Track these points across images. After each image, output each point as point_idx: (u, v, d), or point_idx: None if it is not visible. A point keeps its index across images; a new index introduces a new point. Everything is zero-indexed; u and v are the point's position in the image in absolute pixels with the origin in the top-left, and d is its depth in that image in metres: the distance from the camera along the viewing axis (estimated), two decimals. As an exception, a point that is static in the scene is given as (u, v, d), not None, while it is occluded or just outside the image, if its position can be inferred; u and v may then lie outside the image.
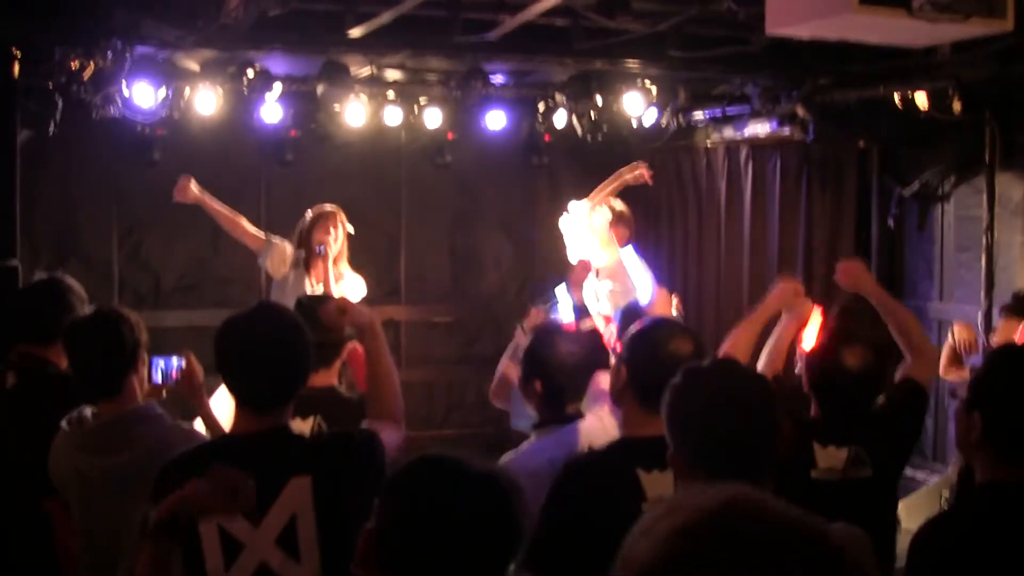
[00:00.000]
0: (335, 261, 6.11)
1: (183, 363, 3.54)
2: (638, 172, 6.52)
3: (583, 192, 8.93)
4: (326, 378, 3.70)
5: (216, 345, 2.68)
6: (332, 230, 6.07)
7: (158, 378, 3.51)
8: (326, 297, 4.69)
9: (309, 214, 6.21)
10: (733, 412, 2.19)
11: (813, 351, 3.43)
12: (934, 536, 2.39)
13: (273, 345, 2.65)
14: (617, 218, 6.57)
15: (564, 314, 4.95)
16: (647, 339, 2.88)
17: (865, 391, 3.31)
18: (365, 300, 8.03)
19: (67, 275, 4.05)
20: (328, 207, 6.21)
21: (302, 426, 3.47)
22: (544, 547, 2.72)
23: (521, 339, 4.18)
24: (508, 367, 4.18)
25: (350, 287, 6.16)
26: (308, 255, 6.11)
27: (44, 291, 3.87)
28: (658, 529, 1.08)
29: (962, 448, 2.51)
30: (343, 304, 3.10)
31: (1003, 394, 2.37)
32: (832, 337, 3.40)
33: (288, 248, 6.22)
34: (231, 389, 2.71)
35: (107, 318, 3.23)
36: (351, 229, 6.23)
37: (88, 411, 3.19)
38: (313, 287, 6.05)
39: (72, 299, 3.81)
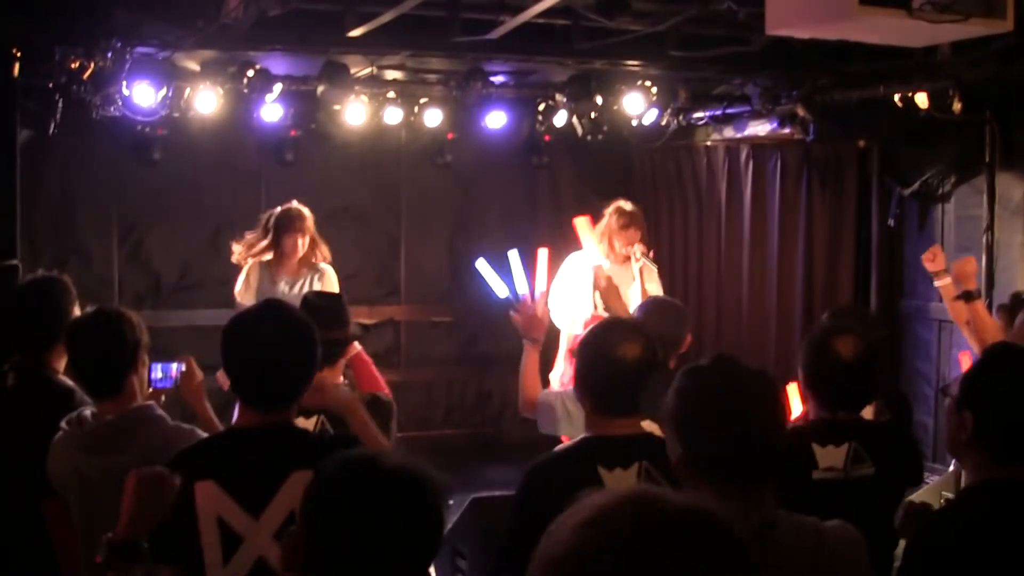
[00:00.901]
0: (303, 260, 6.26)
1: (183, 367, 3.54)
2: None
3: (583, 192, 8.96)
4: (330, 377, 3.70)
5: (222, 343, 2.68)
6: (300, 239, 6.18)
7: (158, 380, 3.51)
8: (335, 295, 4.64)
9: (277, 211, 6.28)
10: (739, 411, 2.17)
11: (806, 346, 3.41)
12: (931, 536, 2.39)
13: (280, 344, 2.65)
14: (628, 220, 6.48)
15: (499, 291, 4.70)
16: (595, 346, 2.91)
17: (857, 379, 3.28)
18: (365, 300, 8.05)
19: (63, 274, 4.01)
20: (294, 209, 6.24)
21: (305, 424, 3.47)
22: (512, 550, 2.73)
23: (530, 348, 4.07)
24: (530, 375, 4.04)
25: (327, 283, 6.28)
26: (276, 255, 6.24)
27: (40, 294, 3.85)
28: (565, 526, 1.16)
29: (952, 447, 2.50)
30: (318, 383, 2.99)
31: (994, 393, 2.37)
32: (821, 331, 3.42)
33: (241, 283, 6.36)
34: (236, 388, 2.70)
35: (108, 317, 3.23)
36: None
37: (88, 411, 3.19)
38: (281, 282, 6.23)
39: (67, 302, 3.78)
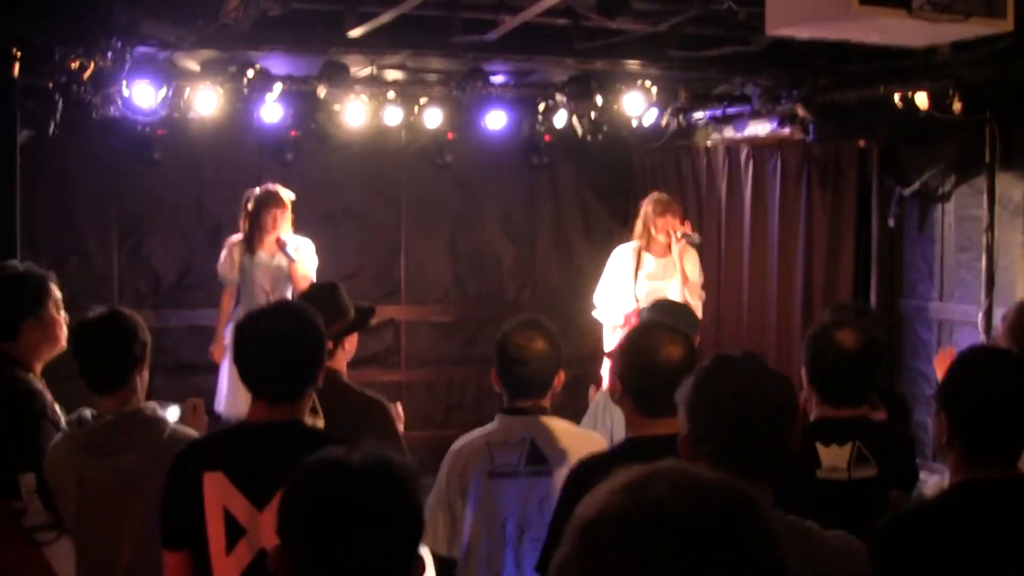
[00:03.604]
0: (279, 241, 6.73)
1: (190, 408, 3.55)
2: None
3: (583, 192, 8.96)
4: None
5: (234, 337, 2.80)
6: (279, 214, 6.68)
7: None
8: (330, 288, 4.61)
9: (256, 192, 6.77)
10: (755, 403, 2.19)
11: (807, 339, 3.39)
12: (899, 529, 2.44)
13: (287, 338, 2.72)
14: (665, 206, 6.66)
15: None
16: (638, 350, 2.91)
17: (859, 371, 3.27)
18: (364, 300, 8.03)
19: (32, 266, 3.88)
20: (271, 187, 6.78)
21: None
22: (555, 550, 2.73)
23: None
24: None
25: (304, 253, 6.77)
26: (253, 233, 6.72)
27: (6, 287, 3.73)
28: (601, 491, 1.20)
29: (937, 449, 2.58)
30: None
31: (966, 394, 2.45)
32: (823, 324, 3.42)
33: (224, 259, 6.84)
34: (246, 381, 2.77)
35: (119, 315, 3.28)
36: (292, 196, 6.81)
37: (88, 412, 3.20)
38: (259, 256, 6.74)
39: (33, 295, 3.64)
